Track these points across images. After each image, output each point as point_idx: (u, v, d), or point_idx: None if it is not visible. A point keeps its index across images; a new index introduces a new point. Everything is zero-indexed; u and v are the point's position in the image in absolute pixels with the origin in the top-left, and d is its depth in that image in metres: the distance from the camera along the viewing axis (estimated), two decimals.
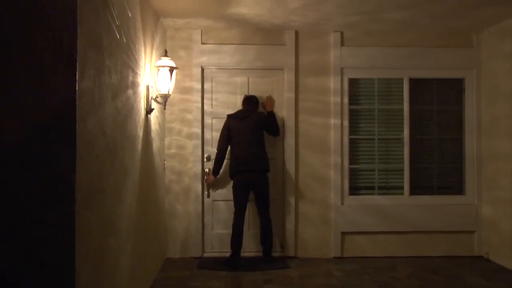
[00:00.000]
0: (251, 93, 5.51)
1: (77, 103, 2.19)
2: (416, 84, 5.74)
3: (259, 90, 5.59)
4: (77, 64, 2.18)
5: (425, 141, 5.79)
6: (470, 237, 5.66)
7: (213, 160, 5.39)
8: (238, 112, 5.34)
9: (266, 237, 5.24)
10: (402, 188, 5.71)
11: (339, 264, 5.32)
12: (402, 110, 5.70)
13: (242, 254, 5.22)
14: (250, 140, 5.19)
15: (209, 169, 5.44)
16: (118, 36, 3.10)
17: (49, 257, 2.16)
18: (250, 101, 5.36)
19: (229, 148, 5.31)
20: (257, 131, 5.24)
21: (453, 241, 5.64)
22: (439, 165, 5.80)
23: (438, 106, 5.79)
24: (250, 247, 5.47)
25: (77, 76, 2.18)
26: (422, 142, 5.77)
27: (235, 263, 5.10)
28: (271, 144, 5.45)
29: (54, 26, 2.14)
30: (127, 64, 3.40)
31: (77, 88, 2.19)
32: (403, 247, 5.61)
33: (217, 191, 5.58)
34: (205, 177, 5.47)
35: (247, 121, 5.23)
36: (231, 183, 5.32)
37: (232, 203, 5.32)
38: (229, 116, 5.32)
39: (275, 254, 5.39)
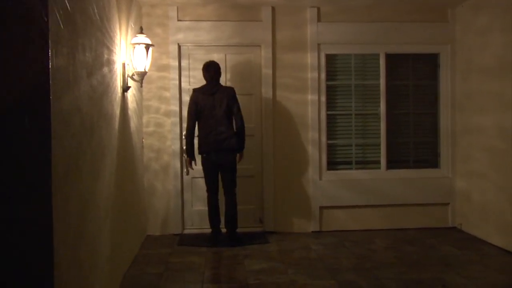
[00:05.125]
0: (229, 70, 5.50)
1: (51, 81, 2.17)
2: (392, 59, 5.79)
3: (236, 66, 5.59)
4: (50, 41, 2.16)
5: (401, 115, 5.87)
6: (445, 209, 5.81)
7: (185, 143, 5.14)
8: (206, 86, 5.06)
9: (229, 218, 5.13)
10: (379, 162, 5.81)
11: (317, 238, 5.42)
12: (378, 85, 5.76)
13: (224, 230, 5.25)
14: (219, 118, 4.97)
15: (185, 158, 5.21)
16: (92, 13, 3.06)
17: (26, 237, 2.16)
18: (212, 69, 5.06)
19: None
20: (226, 108, 4.99)
21: (428, 213, 5.78)
22: (414, 140, 5.90)
23: (414, 81, 5.87)
24: None
25: (49, 53, 2.16)
26: (398, 117, 5.85)
27: (215, 239, 5.15)
28: (249, 121, 5.41)
29: (25, 2, 2.11)
30: (101, 41, 3.36)
31: (50, 65, 2.17)
32: (380, 220, 5.73)
33: (195, 168, 5.59)
34: (185, 170, 5.34)
35: (216, 97, 4.99)
36: None
37: None
38: (196, 90, 5.08)
39: (255, 230, 5.46)
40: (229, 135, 5.01)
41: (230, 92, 5.07)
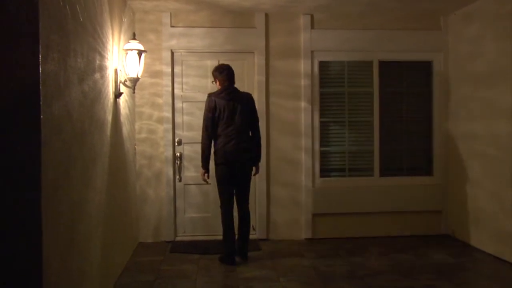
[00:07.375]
0: None
1: (41, 87, 2.15)
2: (386, 66, 5.80)
3: None
4: (40, 46, 2.14)
5: (394, 123, 5.87)
6: (438, 216, 5.80)
7: (201, 155, 4.66)
8: (223, 91, 4.64)
9: (245, 234, 4.78)
10: (372, 169, 5.80)
11: (310, 245, 5.39)
12: (372, 92, 5.76)
13: (216, 237, 5.24)
14: (239, 127, 4.61)
15: (203, 174, 4.69)
16: (83, 19, 3.04)
17: (15, 244, 2.13)
18: (226, 71, 4.69)
19: None
20: (246, 116, 4.66)
21: (421, 221, 5.77)
22: (408, 147, 5.90)
23: (407, 89, 5.88)
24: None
25: (40, 58, 2.13)
26: (391, 124, 5.85)
27: (233, 259, 4.69)
28: None
29: (15, 8, 2.08)
30: (93, 47, 3.34)
31: (40, 71, 2.14)
32: (373, 228, 5.72)
33: (188, 175, 5.57)
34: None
35: (235, 103, 4.61)
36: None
37: (204, 186, 5.35)
38: (212, 95, 4.66)
39: None
40: (250, 146, 4.72)
41: (250, 98, 4.77)
